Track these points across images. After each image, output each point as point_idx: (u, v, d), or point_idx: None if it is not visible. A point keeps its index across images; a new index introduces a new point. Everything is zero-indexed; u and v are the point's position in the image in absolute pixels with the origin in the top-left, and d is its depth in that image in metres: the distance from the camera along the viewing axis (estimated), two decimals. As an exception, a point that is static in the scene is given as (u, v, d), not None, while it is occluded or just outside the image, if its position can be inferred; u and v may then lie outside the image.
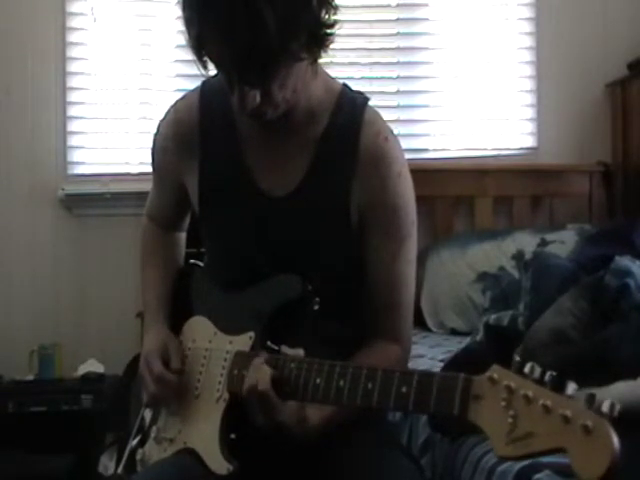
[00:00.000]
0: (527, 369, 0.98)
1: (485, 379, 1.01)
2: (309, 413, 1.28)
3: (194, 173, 1.49)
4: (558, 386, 0.95)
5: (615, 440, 0.88)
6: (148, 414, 1.53)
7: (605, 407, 0.90)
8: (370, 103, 1.47)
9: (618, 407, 0.90)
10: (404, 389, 1.12)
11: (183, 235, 1.71)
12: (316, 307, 1.36)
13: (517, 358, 1.00)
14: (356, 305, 1.48)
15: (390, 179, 1.41)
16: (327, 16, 1.28)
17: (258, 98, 1.28)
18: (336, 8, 1.30)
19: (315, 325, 1.37)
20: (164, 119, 1.54)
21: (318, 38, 1.28)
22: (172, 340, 1.49)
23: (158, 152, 1.56)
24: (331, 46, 1.33)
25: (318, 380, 1.22)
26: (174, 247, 1.68)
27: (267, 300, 1.38)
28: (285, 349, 1.30)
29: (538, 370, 0.97)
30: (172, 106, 1.53)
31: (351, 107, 1.44)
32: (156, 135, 1.56)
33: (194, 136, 1.48)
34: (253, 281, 1.41)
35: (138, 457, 1.48)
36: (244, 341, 1.37)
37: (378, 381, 1.16)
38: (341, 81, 1.50)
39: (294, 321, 1.37)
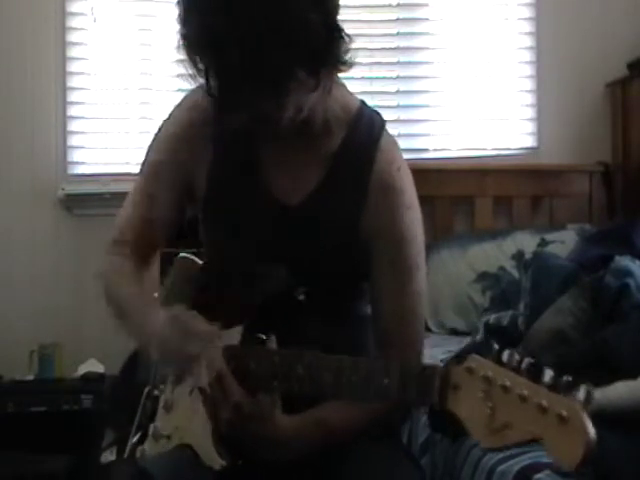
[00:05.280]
0: (505, 357, 0.97)
1: (462, 369, 1.01)
2: (279, 415, 1.29)
3: (204, 165, 1.46)
4: (536, 374, 0.94)
5: (590, 427, 0.87)
6: (147, 412, 1.54)
7: (581, 395, 0.89)
8: (386, 126, 1.46)
9: (594, 393, 0.89)
10: (386, 381, 1.12)
11: (156, 271, 1.59)
12: (301, 297, 1.36)
13: (495, 346, 0.99)
14: (350, 309, 1.49)
15: (399, 210, 1.40)
16: (330, 39, 1.26)
17: (244, 118, 1.27)
18: (346, 35, 1.29)
19: (300, 316, 1.37)
20: (180, 105, 1.49)
21: (317, 61, 1.26)
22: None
23: (165, 140, 1.50)
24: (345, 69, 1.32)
25: (301, 371, 1.22)
26: (147, 284, 1.53)
27: (255, 293, 1.39)
28: (272, 340, 1.31)
29: (516, 358, 0.96)
30: (189, 93, 1.47)
31: (368, 128, 1.43)
32: (166, 121, 1.51)
33: (209, 127, 1.44)
34: (249, 276, 1.42)
35: (138, 454, 1.49)
36: (234, 335, 1.38)
37: (362, 373, 1.15)
38: (359, 97, 1.49)
39: (280, 312, 1.37)
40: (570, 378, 0.91)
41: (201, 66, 1.25)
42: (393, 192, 1.40)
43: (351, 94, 1.48)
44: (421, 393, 1.08)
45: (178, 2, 1.27)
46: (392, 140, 1.45)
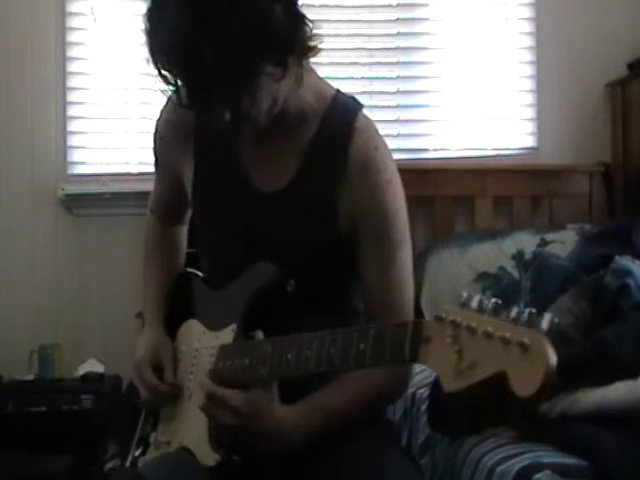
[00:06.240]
0: (474, 303, 0.97)
1: (433, 319, 1.01)
2: (277, 407, 1.30)
3: (190, 163, 1.51)
4: (502, 312, 0.93)
5: (550, 354, 0.85)
6: (148, 424, 1.55)
7: (544, 323, 0.88)
8: (364, 109, 1.47)
9: (557, 320, 0.89)
10: (362, 346, 1.13)
11: (184, 229, 1.72)
12: (289, 288, 1.37)
13: (464, 294, 0.99)
14: (342, 303, 1.50)
15: (379, 187, 1.41)
16: (294, 27, 1.27)
17: (228, 116, 1.29)
18: (309, 20, 1.30)
19: (292, 307, 1.37)
20: (165, 105, 1.55)
21: (284, 52, 1.27)
22: (164, 346, 1.52)
23: (157, 139, 1.58)
24: (316, 54, 1.34)
25: (289, 355, 1.23)
26: (174, 244, 1.70)
27: (244, 290, 1.41)
28: (258, 334, 1.32)
29: (484, 301, 0.96)
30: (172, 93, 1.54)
31: (343, 112, 1.45)
32: (157, 121, 1.57)
33: (191, 125, 1.49)
34: (237, 276, 1.44)
35: (140, 465, 1.50)
36: (227, 334, 1.39)
37: (339, 344, 1.16)
38: (336, 85, 1.50)
39: (272, 305, 1.39)
40: (534, 310, 0.90)
41: (172, 77, 1.28)
42: (372, 170, 1.41)
43: (325, 82, 1.49)
44: (394, 351, 1.08)
45: (146, 16, 1.27)
46: (368, 121, 1.46)
